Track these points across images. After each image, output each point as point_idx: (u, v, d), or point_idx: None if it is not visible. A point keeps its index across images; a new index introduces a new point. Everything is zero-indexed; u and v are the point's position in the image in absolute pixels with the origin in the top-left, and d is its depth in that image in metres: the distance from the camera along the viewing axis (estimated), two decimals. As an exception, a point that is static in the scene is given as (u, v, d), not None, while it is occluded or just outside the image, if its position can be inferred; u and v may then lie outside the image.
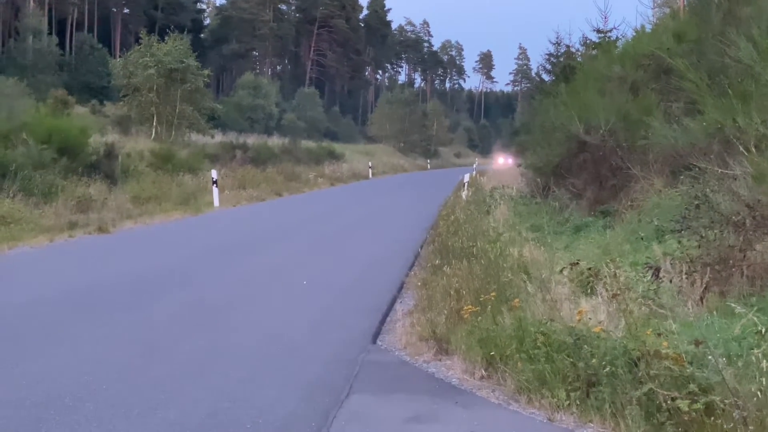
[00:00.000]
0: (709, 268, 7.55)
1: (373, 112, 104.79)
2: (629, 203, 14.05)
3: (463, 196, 24.59)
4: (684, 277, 7.64)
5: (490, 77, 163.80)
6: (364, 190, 38.23)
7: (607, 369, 5.93)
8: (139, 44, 42.65)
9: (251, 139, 50.24)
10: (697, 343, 5.65)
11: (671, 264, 7.94)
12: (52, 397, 6.02)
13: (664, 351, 5.62)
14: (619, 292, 6.62)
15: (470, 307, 7.55)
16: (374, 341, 8.39)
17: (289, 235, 18.29)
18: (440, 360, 7.60)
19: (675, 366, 5.53)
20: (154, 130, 41.16)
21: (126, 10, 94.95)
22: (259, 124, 71.46)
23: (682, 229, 8.74)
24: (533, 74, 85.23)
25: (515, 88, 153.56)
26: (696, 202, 8.55)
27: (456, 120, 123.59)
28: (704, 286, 7.49)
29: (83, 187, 20.76)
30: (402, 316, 9.31)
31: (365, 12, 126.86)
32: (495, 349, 6.97)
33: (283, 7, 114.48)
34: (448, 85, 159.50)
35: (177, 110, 41.47)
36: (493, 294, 7.64)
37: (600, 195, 15.67)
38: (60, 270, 12.42)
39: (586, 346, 6.16)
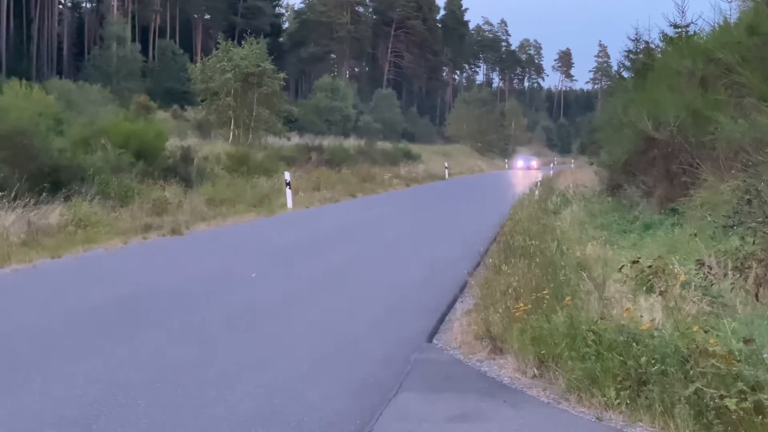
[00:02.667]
0: (763, 264, 7.40)
1: (450, 113, 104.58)
2: (699, 200, 13.81)
3: (536, 196, 24.48)
4: (738, 273, 7.51)
5: (569, 75, 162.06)
6: (437, 191, 38.20)
7: (656, 367, 5.87)
8: (218, 49, 43.39)
9: (327, 141, 50.63)
10: (746, 341, 5.56)
11: (716, 261, 7.80)
12: (106, 395, 6.18)
13: (711, 349, 5.54)
14: (666, 290, 6.53)
15: (522, 305, 7.53)
16: (430, 340, 8.41)
17: (357, 236, 18.43)
18: (494, 359, 7.59)
19: (722, 364, 5.44)
20: (231, 134, 41.81)
21: (207, 16, 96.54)
22: (336, 126, 72.00)
23: (734, 225, 8.58)
24: (614, 72, 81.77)
25: (595, 86, 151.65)
26: (747, 197, 8.38)
27: (534, 119, 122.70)
28: (758, 282, 7.35)
29: (159, 190, 21.19)
30: (461, 315, 9.33)
31: (442, 12, 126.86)
32: (546, 347, 6.95)
33: (360, 9, 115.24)
34: (526, 84, 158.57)
35: (254, 113, 42.04)
36: (545, 292, 7.61)
37: (670, 192, 15.42)
38: (129, 271, 12.71)
39: (635, 344, 6.11)
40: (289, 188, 25.63)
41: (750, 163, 10.18)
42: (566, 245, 12.17)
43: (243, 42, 43.70)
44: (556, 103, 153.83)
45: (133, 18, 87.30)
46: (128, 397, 6.13)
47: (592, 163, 32.30)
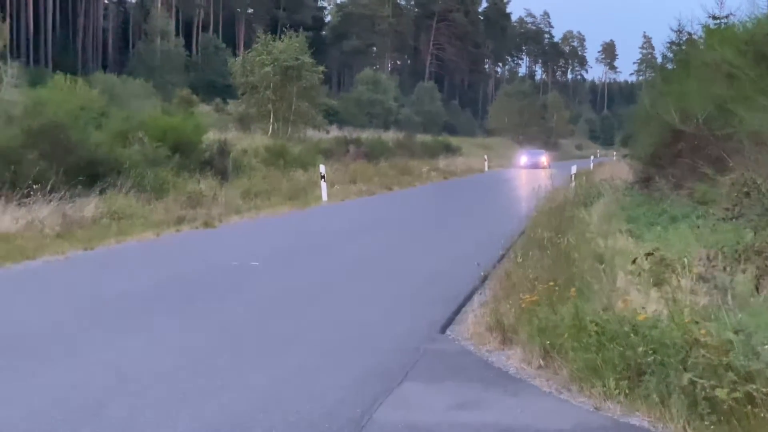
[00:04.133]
0: (763, 257, 7.44)
1: (491, 106, 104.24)
2: (725, 193, 13.77)
3: (571, 188, 24.44)
4: (738, 265, 7.56)
5: (613, 67, 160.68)
6: (475, 184, 38.20)
7: (651, 357, 5.96)
8: (257, 43, 43.76)
9: (367, 134, 50.78)
10: (736, 332, 5.64)
11: (708, 254, 7.85)
12: (118, 383, 6.40)
13: (703, 339, 5.62)
14: (669, 281, 6.62)
15: (529, 296, 7.65)
16: (443, 331, 8.54)
17: (387, 228, 18.62)
18: (503, 350, 7.72)
19: (714, 355, 5.53)
20: (270, 127, 42.14)
21: (250, 10, 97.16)
22: (377, 119, 72.16)
23: (733, 218, 8.61)
24: (659, 63, 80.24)
25: (639, 78, 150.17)
26: (745, 190, 8.41)
27: (577, 111, 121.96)
28: (758, 275, 7.39)
29: (194, 184, 21.49)
30: (478, 306, 9.45)
31: (484, 5, 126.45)
32: (552, 338, 7.05)
33: (402, 2, 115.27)
34: (570, 76, 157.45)
35: (293, 107, 42.34)
36: (551, 283, 7.72)
37: (698, 185, 15.37)
38: (157, 263, 12.97)
39: (633, 335, 6.20)
40: (324, 181, 25.83)
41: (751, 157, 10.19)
42: (589, 237, 12.24)
43: (283, 36, 44.00)
44: (599, 95, 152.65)
45: (177, 12, 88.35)
46: (139, 385, 6.33)
47: (624, 156, 32.12)
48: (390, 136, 55.07)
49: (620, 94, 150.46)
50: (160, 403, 5.95)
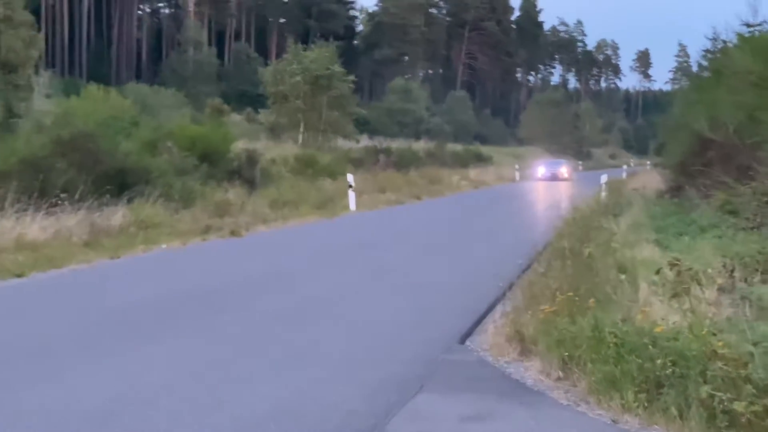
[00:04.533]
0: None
1: (523, 115, 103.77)
2: (756, 203, 13.60)
3: (602, 197, 24.30)
4: (757, 275, 7.44)
5: (647, 76, 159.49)
6: (505, 193, 38.03)
7: (669, 370, 5.88)
8: (288, 53, 43.94)
9: (397, 144, 50.75)
10: (755, 343, 5.55)
11: (726, 264, 7.73)
12: (131, 391, 6.41)
13: (721, 351, 5.53)
14: (681, 292, 6.52)
15: (547, 307, 7.57)
16: (463, 341, 8.49)
17: (412, 237, 18.59)
18: (522, 361, 7.64)
19: (731, 367, 5.44)
20: (301, 136, 42.25)
21: (282, 20, 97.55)
22: (408, 128, 72.06)
23: (754, 227, 8.47)
24: (694, 71, 78.10)
25: (675, 87, 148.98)
26: (765, 199, 8.27)
27: (611, 120, 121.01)
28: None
29: (222, 193, 21.57)
30: (499, 317, 9.37)
31: (517, 13, 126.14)
32: (571, 349, 6.97)
33: (434, 11, 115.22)
34: (603, 84, 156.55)
35: (323, 116, 42.43)
36: (569, 294, 7.63)
37: (728, 194, 15.20)
38: (180, 272, 13.02)
39: (651, 346, 6.12)
40: (352, 190, 25.84)
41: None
42: (614, 248, 12.12)
43: (313, 45, 44.14)
44: (633, 104, 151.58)
45: (209, 22, 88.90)
46: (152, 394, 6.34)
47: (656, 165, 31.87)
48: (421, 145, 55.00)
49: (655, 103, 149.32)
50: (170, 412, 5.95)
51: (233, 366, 7.28)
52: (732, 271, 7.92)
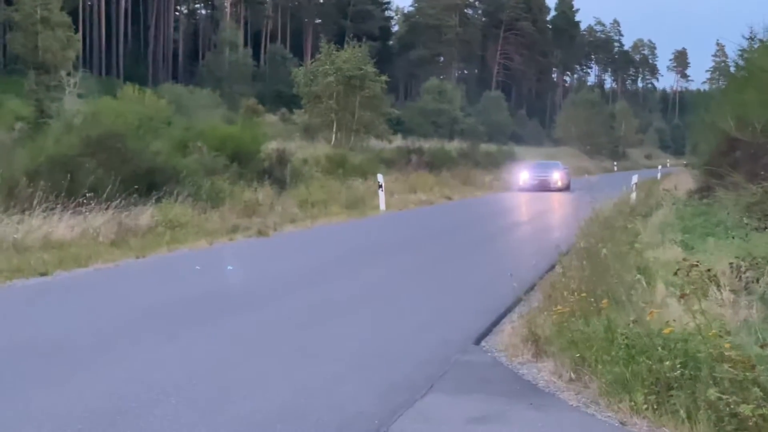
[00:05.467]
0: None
1: (558, 115, 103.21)
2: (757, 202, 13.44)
3: (632, 198, 24.09)
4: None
5: (685, 76, 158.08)
6: (536, 193, 37.80)
7: (678, 372, 5.82)
8: (320, 53, 44.07)
9: (431, 144, 50.60)
10: (762, 345, 5.47)
11: (736, 264, 7.62)
12: (141, 391, 6.43)
13: (728, 354, 5.46)
14: (689, 293, 6.45)
15: (560, 308, 7.52)
16: (478, 342, 8.45)
17: (438, 238, 18.55)
18: (535, 362, 7.60)
19: (738, 370, 5.37)
20: (333, 136, 42.34)
21: (318, 20, 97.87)
22: (443, 128, 71.96)
23: (766, 227, 8.33)
24: (732, 71, 76.64)
25: (713, 87, 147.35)
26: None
27: (647, 120, 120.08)
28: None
29: (251, 193, 21.64)
30: (517, 317, 9.34)
31: (552, 13, 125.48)
32: (583, 351, 6.92)
33: (469, 11, 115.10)
34: (640, 84, 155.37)
35: (355, 116, 42.49)
36: (583, 294, 7.58)
37: (757, 194, 15.00)
38: (204, 271, 13.04)
39: (660, 348, 6.06)
40: (382, 190, 25.85)
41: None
42: (638, 248, 12.01)
43: (345, 45, 44.21)
44: (670, 104, 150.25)
45: (245, 23, 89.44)
46: (162, 394, 6.36)
47: (686, 165, 31.56)
48: (454, 145, 54.84)
49: (692, 103, 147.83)
50: (179, 412, 5.97)
51: (246, 365, 7.31)
52: (744, 271, 7.81)
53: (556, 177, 39.37)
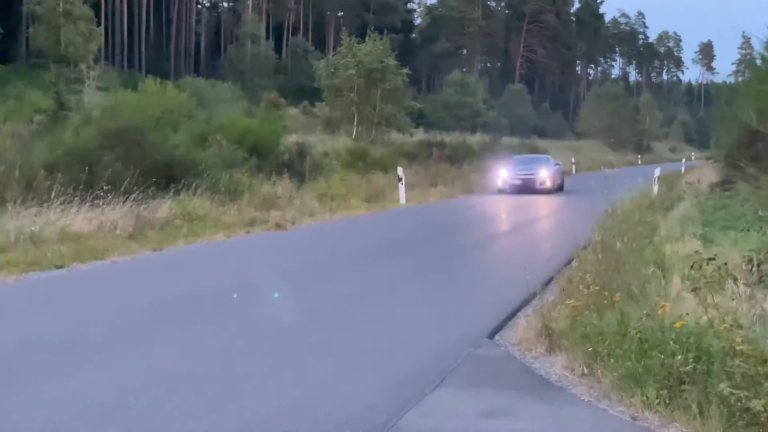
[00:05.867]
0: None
1: (582, 108, 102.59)
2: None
3: (654, 191, 23.92)
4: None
5: (710, 68, 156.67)
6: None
7: (690, 366, 5.72)
8: (341, 46, 44.04)
9: (453, 137, 50.39)
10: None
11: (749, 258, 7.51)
12: (148, 384, 6.41)
13: (739, 348, 5.36)
14: (701, 286, 6.35)
15: (572, 301, 7.43)
16: (492, 337, 8.36)
17: (457, 231, 18.46)
18: (549, 356, 7.51)
19: (750, 364, 5.27)
20: (354, 130, 42.28)
21: (340, 13, 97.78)
22: (465, 121, 71.72)
23: None
24: (757, 64, 75.64)
25: (737, 80, 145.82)
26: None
27: (672, 113, 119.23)
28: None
29: (270, 186, 21.63)
30: (533, 312, 9.24)
31: (576, 5, 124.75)
32: (596, 345, 6.83)
33: (492, 3, 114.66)
34: (665, 77, 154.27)
35: (377, 109, 42.40)
36: (596, 288, 7.49)
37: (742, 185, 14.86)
38: (220, 265, 13.05)
39: (671, 342, 5.96)
40: (402, 184, 25.79)
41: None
42: (656, 242, 11.90)
43: (367, 38, 44.12)
44: (695, 96, 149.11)
45: (267, 17, 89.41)
46: (169, 387, 6.33)
47: (708, 158, 31.28)
48: (476, 139, 54.62)
49: (718, 96, 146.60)
50: (189, 405, 5.94)
51: (257, 359, 7.26)
52: (759, 265, 7.70)
53: (544, 175, 31.76)
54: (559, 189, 32.66)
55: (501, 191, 31.30)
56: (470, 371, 7.06)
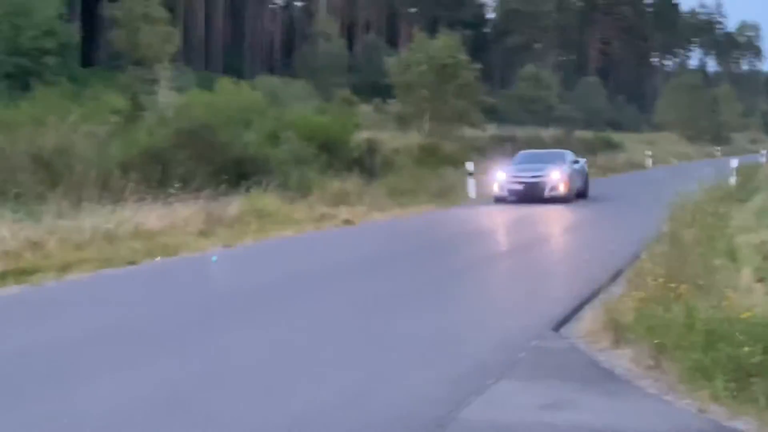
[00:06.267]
0: None
1: (658, 100, 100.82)
2: None
3: (731, 182, 23.48)
4: None
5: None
6: (632, 180, 36.97)
7: (757, 358, 5.59)
8: (413, 42, 44.02)
9: (526, 132, 49.98)
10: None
11: None
12: (212, 375, 6.55)
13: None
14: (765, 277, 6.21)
15: (637, 293, 7.32)
16: (557, 329, 8.27)
17: (526, 225, 18.36)
18: (615, 349, 7.39)
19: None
20: (426, 126, 42.19)
21: (412, 9, 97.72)
22: (538, 115, 71.09)
23: None
24: None
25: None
26: None
27: (752, 104, 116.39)
28: None
29: (339, 182, 21.73)
30: (600, 303, 9.12)
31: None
32: (663, 337, 6.71)
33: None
34: (744, 68, 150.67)
35: (449, 105, 42.24)
36: (661, 279, 7.36)
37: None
38: (288, 260, 13.18)
39: (738, 334, 5.83)
40: (472, 178, 25.65)
41: None
42: (728, 234, 11.68)
43: (438, 34, 44.00)
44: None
45: (340, 15, 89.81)
46: (232, 379, 6.43)
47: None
48: (549, 133, 54.10)
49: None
50: (246, 396, 6.01)
51: (317, 351, 7.32)
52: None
53: (556, 178, 23.72)
54: (579, 196, 24.97)
55: (498, 200, 24.02)
56: (533, 364, 7.03)
